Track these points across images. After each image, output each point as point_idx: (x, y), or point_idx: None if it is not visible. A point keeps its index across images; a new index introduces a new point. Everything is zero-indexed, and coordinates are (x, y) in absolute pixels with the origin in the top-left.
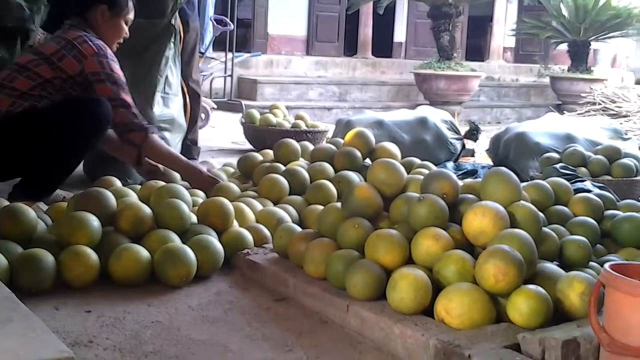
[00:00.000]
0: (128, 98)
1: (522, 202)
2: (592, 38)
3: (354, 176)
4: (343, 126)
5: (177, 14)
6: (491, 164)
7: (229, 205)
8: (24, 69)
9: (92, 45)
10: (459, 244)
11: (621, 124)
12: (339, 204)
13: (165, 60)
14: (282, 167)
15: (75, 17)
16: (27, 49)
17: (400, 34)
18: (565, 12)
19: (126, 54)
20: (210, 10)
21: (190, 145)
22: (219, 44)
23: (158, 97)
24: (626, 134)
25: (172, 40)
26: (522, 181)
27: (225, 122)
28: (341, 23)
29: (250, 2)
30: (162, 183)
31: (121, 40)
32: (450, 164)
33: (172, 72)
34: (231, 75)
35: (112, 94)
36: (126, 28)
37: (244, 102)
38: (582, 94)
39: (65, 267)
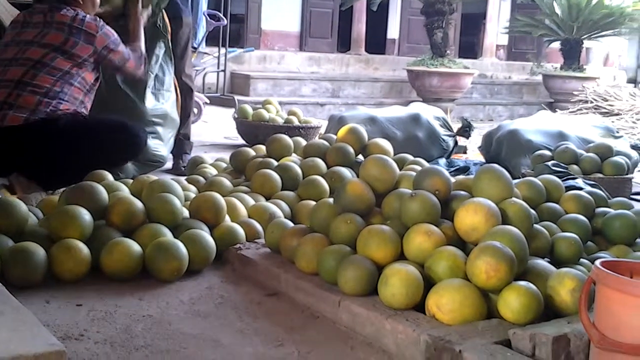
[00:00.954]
0: (123, 46)
1: (514, 199)
2: (585, 36)
3: (346, 172)
4: (336, 122)
5: (163, 12)
6: (483, 161)
7: (221, 200)
8: (42, 65)
9: (90, 21)
10: (450, 240)
11: (613, 122)
12: (331, 200)
13: (155, 58)
14: (275, 163)
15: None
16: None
17: (393, 31)
18: (558, 11)
19: None
20: (203, 5)
21: (182, 140)
22: (212, 39)
23: (148, 93)
24: (618, 132)
25: (162, 39)
26: (513, 178)
27: (217, 117)
28: (335, 19)
29: None
30: (154, 177)
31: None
32: (442, 161)
33: (163, 70)
34: (224, 71)
35: (124, 55)
36: None
37: (237, 98)
38: (575, 92)
39: (56, 261)
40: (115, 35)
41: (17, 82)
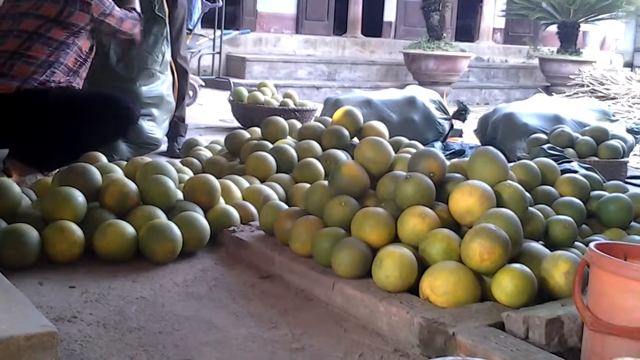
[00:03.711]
0: (121, 9)
1: (509, 181)
2: (582, 20)
3: (341, 155)
4: (331, 105)
5: None
6: (479, 144)
7: (216, 182)
8: (37, 35)
9: None
10: (445, 223)
11: (609, 106)
12: (325, 182)
13: (154, 38)
14: (270, 145)
15: None
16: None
17: (390, 14)
18: None
19: None
20: None
21: (177, 122)
22: (208, 21)
23: (146, 74)
24: (614, 116)
25: (160, 18)
26: (509, 161)
27: (213, 100)
28: (331, 1)
29: None
30: (148, 159)
31: None
32: (438, 144)
33: (161, 51)
34: (219, 53)
35: (119, 17)
36: None
37: (233, 80)
38: (571, 76)
39: (49, 243)
40: (111, 1)
41: (12, 53)
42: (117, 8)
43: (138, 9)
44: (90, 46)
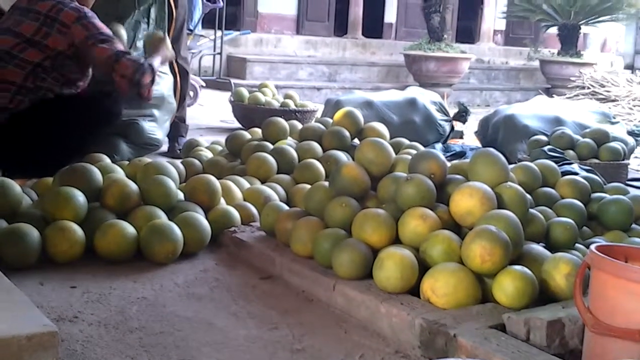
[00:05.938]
0: (121, 46)
1: (510, 183)
2: (583, 22)
3: (342, 156)
4: (332, 106)
5: None
6: (480, 146)
7: (216, 183)
8: (10, 56)
9: (70, 11)
10: (446, 224)
11: (610, 108)
12: (326, 183)
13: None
14: (270, 146)
15: None
16: None
17: (391, 15)
18: None
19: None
20: None
21: (178, 123)
22: (209, 21)
23: None
24: (614, 118)
25: (163, 17)
26: (510, 163)
27: (214, 101)
28: (332, 2)
29: None
30: (149, 160)
31: None
32: (438, 146)
33: None
34: (220, 54)
35: (109, 52)
36: None
37: (233, 81)
38: (572, 78)
39: (50, 243)
40: (105, 29)
41: None
42: (119, 45)
43: (156, 67)
44: (80, 77)
